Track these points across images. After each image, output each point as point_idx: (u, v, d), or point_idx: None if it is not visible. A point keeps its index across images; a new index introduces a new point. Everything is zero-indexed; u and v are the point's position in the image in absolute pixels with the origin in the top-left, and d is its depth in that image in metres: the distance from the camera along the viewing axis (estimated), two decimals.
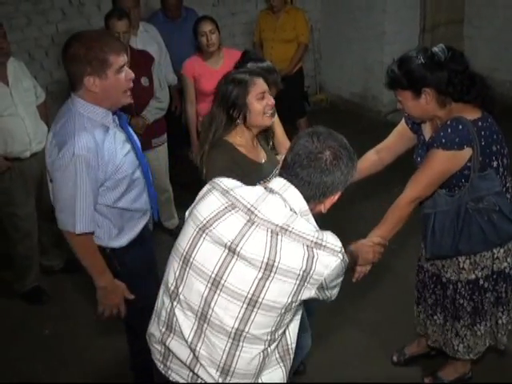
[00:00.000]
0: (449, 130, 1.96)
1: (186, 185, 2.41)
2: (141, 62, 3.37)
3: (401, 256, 2.52)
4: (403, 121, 2.30)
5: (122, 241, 2.16)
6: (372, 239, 2.06)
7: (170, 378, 1.59)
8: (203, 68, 3.48)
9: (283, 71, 4.58)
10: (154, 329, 1.62)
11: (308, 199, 1.48)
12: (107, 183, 2.02)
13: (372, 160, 2.37)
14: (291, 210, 1.46)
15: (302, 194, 1.47)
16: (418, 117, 2.12)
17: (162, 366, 1.60)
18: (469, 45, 5.68)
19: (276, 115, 2.61)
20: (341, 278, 1.54)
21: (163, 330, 1.57)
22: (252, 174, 2.09)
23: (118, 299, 2.18)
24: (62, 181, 1.94)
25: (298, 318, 1.59)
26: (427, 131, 2.16)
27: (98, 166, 1.95)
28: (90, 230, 2.02)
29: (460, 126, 1.95)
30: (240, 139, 2.15)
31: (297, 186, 1.47)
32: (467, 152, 1.97)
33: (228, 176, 1.92)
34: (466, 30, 5.80)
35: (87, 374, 2.84)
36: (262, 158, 2.24)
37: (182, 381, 1.56)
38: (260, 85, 2.12)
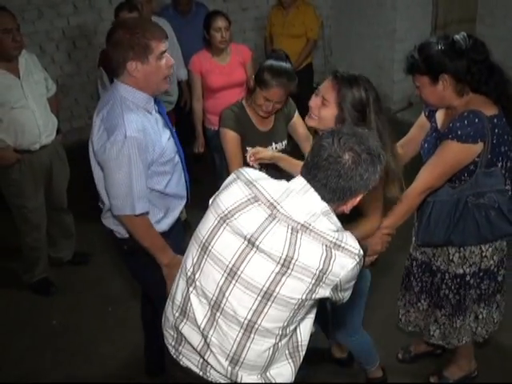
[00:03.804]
0: (465, 122, 1.95)
1: (192, 180, 2.42)
2: None
3: (406, 252, 2.51)
4: (423, 112, 2.31)
5: (164, 225, 2.21)
6: (380, 229, 2.05)
7: (181, 363, 1.61)
8: (211, 64, 3.48)
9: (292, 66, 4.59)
10: (169, 313, 1.64)
11: (327, 201, 1.46)
12: (153, 166, 2.06)
13: None
14: (312, 209, 1.45)
15: (320, 195, 1.46)
16: (434, 104, 2.12)
17: (173, 351, 1.63)
18: None
19: (297, 113, 2.66)
20: (354, 281, 1.53)
21: (177, 314, 1.59)
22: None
23: None
24: (115, 164, 1.96)
25: (310, 316, 1.60)
26: (440, 118, 2.15)
27: (148, 147, 1.99)
28: (147, 210, 2.06)
29: (476, 120, 1.94)
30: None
31: (315, 188, 1.46)
32: (479, 146, 1.97)
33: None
34: (479, 29, 5.75)
35: (94, 366, 2.87)
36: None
37: (192, 366, 1.59)
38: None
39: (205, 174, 3.53)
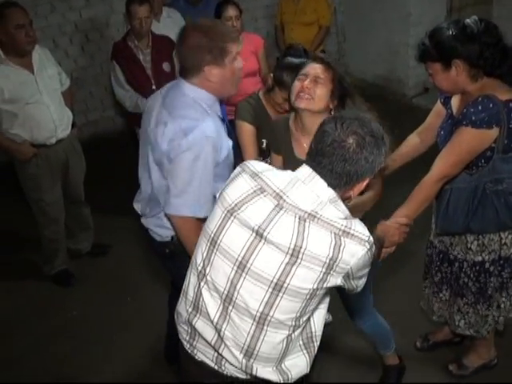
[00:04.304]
0: (479, 107, 1.92)
1: None
2: (162, 47, 3.39)
3: (424, 240, 2.49)
4: (439, 98, 2.27)
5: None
6: (397, 220, 2.03)
7: (196, 358, 1.62)
8: None
9: None
10: (182, 308, 1.65)
11: (334, 187, 1.46)
12: (216, 169, 2.00)
13: (413, 143, 2.37)
14: (319, 197, 1.44)
15: (326, 182, 1.45)
16: (448, 90, 2.08)
17: (188, 346, 1.64)
18: (498, 25, 5.51)
19: None
20: (367, 269, 1.53)
21: (190, 309, 1.60)
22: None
23: None
24: (189, 164, 1.90)
25: (323, 306, 1.60)
26: (455, 104, 2.12)
27: (220, 148, 1.97)
28: (208, 214, 1.96)
29: (491, 104, 1.91)
30: (294, 123, 2.21)
31: (320, 175, 1.45)
32: (495, 132, 1.93)
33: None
34: (496, 11, 5.63)
35: (112, 356, 2.92)
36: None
37: (207, 360, 1.60)
38: (308, 67, 2.10)
39: None
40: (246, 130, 2.49)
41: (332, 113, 2.06)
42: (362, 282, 1.57)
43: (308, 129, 2.10)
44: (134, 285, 3.40)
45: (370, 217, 2.10)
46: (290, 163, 2.08)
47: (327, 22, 4.64)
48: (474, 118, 1.92)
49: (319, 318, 1.59)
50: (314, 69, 2.09)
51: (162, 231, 2.16)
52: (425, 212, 2.15)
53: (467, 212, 2.08)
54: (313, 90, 2.05)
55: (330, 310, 2.82)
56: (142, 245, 3.33)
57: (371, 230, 1.97)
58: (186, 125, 1.92)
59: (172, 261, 2.20)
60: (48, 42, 4.91)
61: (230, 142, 2.06)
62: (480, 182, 2.04)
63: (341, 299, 2.40)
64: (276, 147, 2.27)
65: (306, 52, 2.48)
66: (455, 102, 2.12)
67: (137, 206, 2.29)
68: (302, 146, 2.15)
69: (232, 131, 2.24)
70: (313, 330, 1.59)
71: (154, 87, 3.41)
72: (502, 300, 2.31)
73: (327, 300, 1.60)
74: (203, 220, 1.82)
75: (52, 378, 2.80)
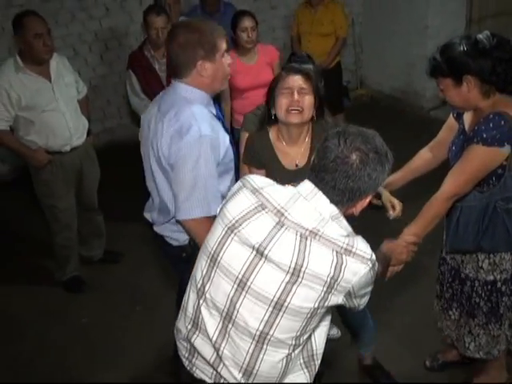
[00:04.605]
0: (490, 125, 1.89)
1: None
2: None
3: (435, 255, 2.45)
4: (451, 113, 2.25)
5: None
6: (405, 238, 2.01)
7: (195, 375, 1.60)
8: (238, 64, 3.46)
9: (320, 65, 4.55)
10: (181, 325, 1.63)
11: (336, 203, 1.44)
12: (219, 167, 2.04)
13: (425, 158, 2.34)
14: (321, 214, 1.42)
15: (328, 198, 1.43)
16: (459, 106, 2.06)
17: (187, 363, 1.62)
18: None
19: None
20: (370, 287, 1.50)
21: (189, 326, 1.58)
22: (272, 171, 2.22)
23: None
24: (190, 166, 1.92)
25: (325, 324, 1.57)
26: (468, 120, 2.09)
27: (219, 146, 1.99)
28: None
29: (502, 122, 1.88)
30: (278, 135, 2.23)
31: (323, 191, 1.43)
32: (506, 150, 1.90)
33: (250, 156, 2.25)
34: None
35: (119, 364, 2.92)
36: (295, 161, 2.25)
37: (206, 378, 1.57)
38: (289, 81, 2.13)
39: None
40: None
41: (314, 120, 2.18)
42: (364, 300, 1.54)
43: (294, 138, 2.20)
44: (144, 293, 3.40)
45: (379, 233, 2.08)
46: (280, 175, 2.09)
47: (344, 33, 4.63)
48: (485, 135, 1.89)
49: (320, 335, 1.57)
50: (296, 81, 2.13)
51: (178, 235, 2.16)
52: (438, 227, 2.12)
53: (478, 230, 2.05)
54: (301, 102, 2.10)
55: (338, 325, 2.86)
56: (154, 253, 3.34)
57: (377, 246, 1.96)
58: (181, 127, 1.94)
59: (188, 264, 2.16)
60: (68, 50, 4.99)
61: (226, 138, 2.07)
62: (491, 200, 2.00)
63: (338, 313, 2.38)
64: (258, 161, 2.25)
65: (310, 58, 2.48)
66: (468, 117, 2.09)
67: (148, 216, 2.29)
68: (289, 156, 2.20)
69: (229, 130, 2.29)
70: (314, 348, 1.56)
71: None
72: None
73: (329, 318, 1.58)
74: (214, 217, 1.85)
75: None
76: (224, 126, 2.17)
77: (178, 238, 2.18)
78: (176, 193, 2.00)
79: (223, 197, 2.08)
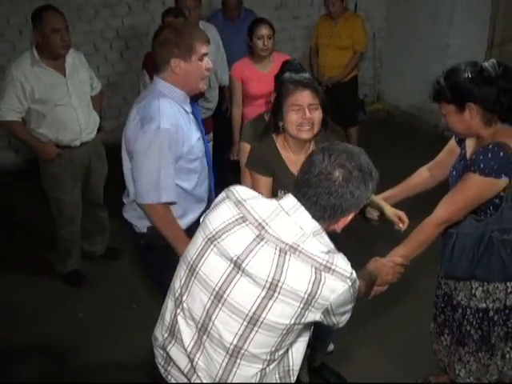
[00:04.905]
0: (489, 155, 1.87)
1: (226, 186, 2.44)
2: None
3: (435, 275, 2.42)
4: (454, 136, 2.23)
5: (182, 224, 2.25)
6: (393, 259, 1.99)
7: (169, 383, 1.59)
8: (252, 71, 3.49)
9: (336, 78, 4.56)
10: (158, 332, 1.62)
11: (318, 219, 1.42)
12: (180, 162, 2.15)
13: (424, 177, 2.34)
14: (302, 229, 1.41)
15: (310, 214, 1.42)
16: (460, 133, 2.05)
17: (163, 371, 1.60)
18: None
19: None
20: (350, 305, 1.48)
21: (165, 335, 1.57)
22: (281, 179, 2.21)
23: None
24: (146, 153, 2.06)
25: (303, 340, 1.55)
26: (469, 146, 2.07)
27: (178, 142, 2.09)
28: (173, 199, 2.15)
29: (501, 153, 1.86)
30: (285, 143, 2.23)
31: (305, 206, 1.42)
32: (504, 181, 1.88)
33: (257, 164, 2.21)
34: None
35: (112, 361, 2.92)
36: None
37: None
38: (298, 97, 2.11)
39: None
40: (247, 150, 2.48)
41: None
42: (344, 318, 1.51)
43: (301, 148, 2.21)
44: (141, 292, 3.41)
45: (368, 252, 2.07)
46: (289, 182, 2.07)
47: (362, 47, 4.62)
48: (482, 165, 1.87)
49: (298, 351, 1.55)
50: (305, 97, 2.13)
51: (138, 222, 2.26)
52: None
53: (472, 258, 2.03)
54: (312, 118, 2.11)
55: (331, 338, 2.84)
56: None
57: (363, 265, 1.94)
58: (144, 117, 2.07)
59: (148, 254, 2.28)
60: (89, 46, 5.06)
61: (194, 137, 2.18)
62: (487, 229, 1.98)
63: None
64: (266, 169, 2.22)
65: (302, 67, 2.49)
66: (470, 143, 2.07)
67: (125, 201, 2.38)
68: (297, 164, 2.16)
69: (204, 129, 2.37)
70: (290, 363, 1.54)
71: None
72: (506, 350, 2.22)
73: (307, 334, 1.56)
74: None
75: (51, 376, 2.84)
76: (200, 126, 2.29)
77: (138, 224, 2.27)
78: (134, 178, 2.15)
79: (188, 193, 2.23)
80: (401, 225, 2.25)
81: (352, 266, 1.44)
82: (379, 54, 6.08)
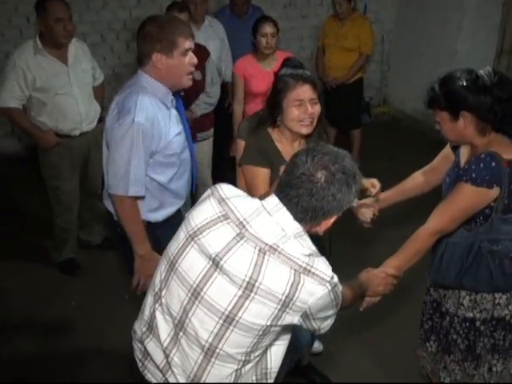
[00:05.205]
0: (481, 165, 1.85)
1: (229, 182, 2.42)
2: (196, 56, 3.40)
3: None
4: (449, 143, 2.21)
5: (158, 216, 2.28)
6: (385, 270, 1.97)
7: (146, 378, 1.58)
8: (255, 68, 3.48)
9: (340, 79, 4.54)
10: (137, 326, 1.62)
11: (299, 220, 1.41)
12: (156, 156, 2.15)
13: (418, 181, 2.33)
14: (283, 230, 1.40)
15: (292, 215, 1.41)
16: (454, 140, 2.04)
17: (140, 365, 1.60)
18: None
19: None
20: (331, 311, 1.46)
21: (144, 329, 1.57)
22: (279, 171, 2.13)
23: (154, 270, 2.28)
24: (118, 145, 2.07)
25: (282, 343, 1.54)
26: (463, 154, 2.06)
27: (153, 137, 2.09)
28: (141, 194, 2.16)
29: (493, 163, 1.84)
30: (280, 136, 2.21)
31: (287, 207, 1.41)
32: (495, 191, 1.86)
33: (254, 157, 2.16)
34: None
35: (101, 351, 2.93)
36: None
37: (155, 382, 1.56)
38: (299, 92, 2.09)
39: None
40: (242, 147, 2.47)
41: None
42: (326, 324, 1.50)
43: (295, 140, 2.20)
44: None
45: (363, 260, 2.06)
46: None
47: (368, 50, 4.59)
48: (474, 175, 1.85)
49: (277, 354, 1.53)
50: (306, 91, 2.10)
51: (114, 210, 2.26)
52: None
53: (460, 268, 2.01)
54: (313, 113, 2.10)
55: (321, 339, 2.84)
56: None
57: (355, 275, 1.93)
58: (121, 109, 2.08)
59: (125, 243, 2.29)
60: (96, 36, 5.08)
61: (173, 131, 2.17)
62: (476, 239, 1.96)
63: None
64: (265, 161, 2.18)
65: (302, 65, 2.47)
66: (464, 151, 2.05)
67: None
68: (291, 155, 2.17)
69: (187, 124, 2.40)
70: (268, 366, 1.53)
71: (182, 93, 3.44)
72: (493, 362, 2.19)
73: (287, 337, 1.54)
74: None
75: (38, 363, 2.85)
76: (183, 121, 2.29)
77: (114, 212, 2.28)
78: (107, 168, 2.18)
79: (164, 187, 2.24)
80: (372, 189, 2.28)
81: (344, 270, 1.42)
82: (387, 57, 6.05)
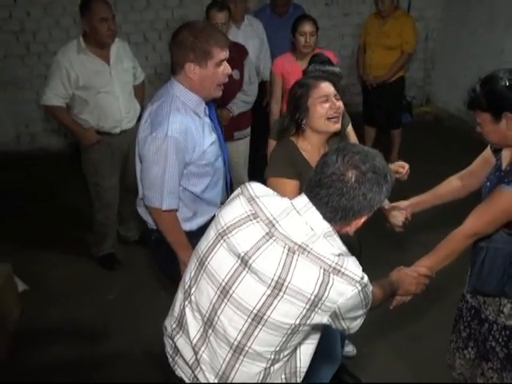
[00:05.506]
0: None
1: (264, 183, 2.41)
2: (235, 55, 3.41)
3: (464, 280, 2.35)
4: (489, 146, 2.14)
5: (192, 225, 2.26)
6: (418, 269, 1.93)
7: (176, 373, 1.61)
8: (293, 67, 3.46)
9: (381, 78, 4.47)
10: (168, 322, 1.64)
11: (329, 220, 1.40)
12: (190, 167, 2.13)
13: (454, 185, 2.26)
14: (312, 229, 1.39)
15: (321, 214, 1.39)
16: (495, 143, 1.96)
17: (170, 360, 1.63)
18: None
19: (351, 126, 2.56)
20: (361, 311, 1.44)
21: (174, 325, 1.59)
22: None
23: None
24: (152, 159, 2.05)
25: (312, 342, 1.53)
26: (506, 157, 1.98)
27: (187, 148, 2.06)
28: (175, 207, 2.15)
29: None
30: (306, 143, 2.15)
31: (316, 206, 1.40)
32: None
33: (282, 169, 2.09)
34: None
35: (136, 345, 2.99)
36: None
37: (185, 378, 1.58)
38: (323, 88, 2.08)
39: None
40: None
41: None
42: (355, 324, 1.48)
43: (319, 146, 2.14)
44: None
45: (397, 264, 2.01)
46: None
47: (411, 48, 4.49)
48: None
49: (306, 353, 1.52)
50: (328, 87, 2.09)
51: (149, 218, 2.28)
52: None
53: (503, 274, 1.94)
54: (341, 107, 2.08)
55: (354, 342, 2.80)
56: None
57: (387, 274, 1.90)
58: (154, 121, 2.05)
59: (159, 250, 2.29)
60: (139, 36, 5.18)
61: (207, 142, 2.13)
62: None
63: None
64: (294, 173, 2.11)
65: (330, 61, 2.44)
66: (506, 154, 1.97)
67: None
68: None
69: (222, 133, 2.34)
70: (298, 365, 1.52)
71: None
72: None
73: (316, 336, 1.53)
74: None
75: (77, 358, 2.92)
76: (216, 129, 2.24)
77: (148, 220, 2.30)
78: (142, 180, 2.17)
79: (198, 196, 2.21)
80: (401, 170, 2.28)
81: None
82: (431, 56, 5.91)
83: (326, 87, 2.08)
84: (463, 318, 2.25)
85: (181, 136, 2.02)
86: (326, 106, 2.06)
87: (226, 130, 3.03)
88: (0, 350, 2.88)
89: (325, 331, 1.56)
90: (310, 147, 2.15)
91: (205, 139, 2.13)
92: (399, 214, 2.28)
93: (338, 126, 2.11)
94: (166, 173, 2.05)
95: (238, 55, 3.50)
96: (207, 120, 2.20)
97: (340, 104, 2.09)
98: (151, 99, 3.58)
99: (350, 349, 2.85)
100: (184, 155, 2.06)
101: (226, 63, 2.08)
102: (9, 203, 4.36)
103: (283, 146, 2.16)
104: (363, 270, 1.40)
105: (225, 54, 2.05)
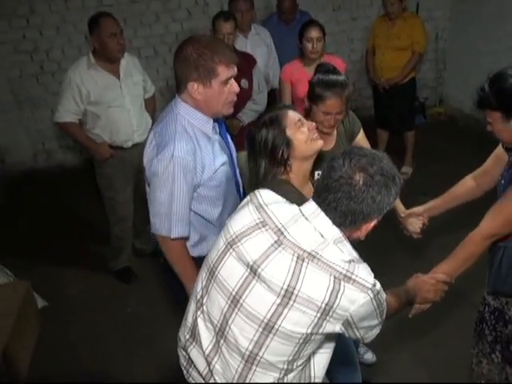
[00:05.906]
0: None
1: None
2: (243, 64, 3.41)
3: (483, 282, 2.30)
4: (500, 143, 2.10)
5: (202, 250, 2.11)
6: (435, 276, 1.89)
7: None
8: (301, 73, 3.46)
9: (393, 80, 4.43)
10: (181, 333, 1.63)
11: (339, 225, 1.38)
12: (200, 189, 2.00)
13: (468, 186, 2.24)
14: (322, 236, 1.37)
15: (331, 220, 1.38)
16: (506, 141, 1.93)
17: (185, 372, 1.62)
18: None
19: (362, 132, 2.54)
20: (376, 321, 1.41)
21: (187, 336, 1.58)
22: None
23: None
24: (159, 183, 1.91)
25: (326, 351, 1.50)
26: None
27: (195, 169, 1.92)
28: (185, 234, 2.00)
29: None
30: (294, 175, 1.88)
31: (325, 212, 1.38)
32: None
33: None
34: None
35: (156, 358, 2.99)
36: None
37: None
38: (291, 115, 1.87)
39: None
40: None
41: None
42: (370, 334, 1.45)
43: (309, 167, 1.93)
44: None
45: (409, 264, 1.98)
46: None
47: (421, 48, 4.45)
48: None
49: (321, 362, 1.50)
50: (294, 113, 1.89)
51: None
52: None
53: None
54: (313, 125, 1.91)
55: (373, 349, 2.76)
56: None
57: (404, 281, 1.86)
58: (160, 142, 1.92)
59: (166, 275, 2.21)
60: (149, 50, 5.23)
61: (218, 162, 1.99)
62: None
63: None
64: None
65: (336, 69, 2.41)
66: None
67: None
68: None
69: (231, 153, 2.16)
70: (312, 374, 1.50)
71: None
72: None
73: (331, 345, 1.50)
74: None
75: (97, 368, 2.94)
76: (227, 147, 2.11)
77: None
78: (148, 206, 2.02)
79: (212, 224, 2.05)
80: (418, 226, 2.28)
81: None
82: (442, 56, 5.85)
83: (294, 113, 1.88)
84: (487, 322, 2.19)
85: (188, 156, 1.87)
86: (304, 129, 1.86)
87: (237, 140, 3.03)
88: (21, 366, 2.91)
89: (339, 339, 1.54)
90: (301, 177, 1.91)
91: (215, 159, 1.99)
92: (416, 220, 2.25)
93: (321, 142, 1.89)
94: (175, 196, 1.89)
95: (246, 65, 3.50)
96: (217, 137, 2.07)
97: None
98: (155, 113, 3.63)
99: (369, 356, 2.81)
100: (193, 177, 1.91)
101: (233, 80, 1.92)
102: (27, 220, 4.42)
103: (280, 191, 1.79)
104: (382, 277, 1.38)
105: (231, 71, 1.90)
